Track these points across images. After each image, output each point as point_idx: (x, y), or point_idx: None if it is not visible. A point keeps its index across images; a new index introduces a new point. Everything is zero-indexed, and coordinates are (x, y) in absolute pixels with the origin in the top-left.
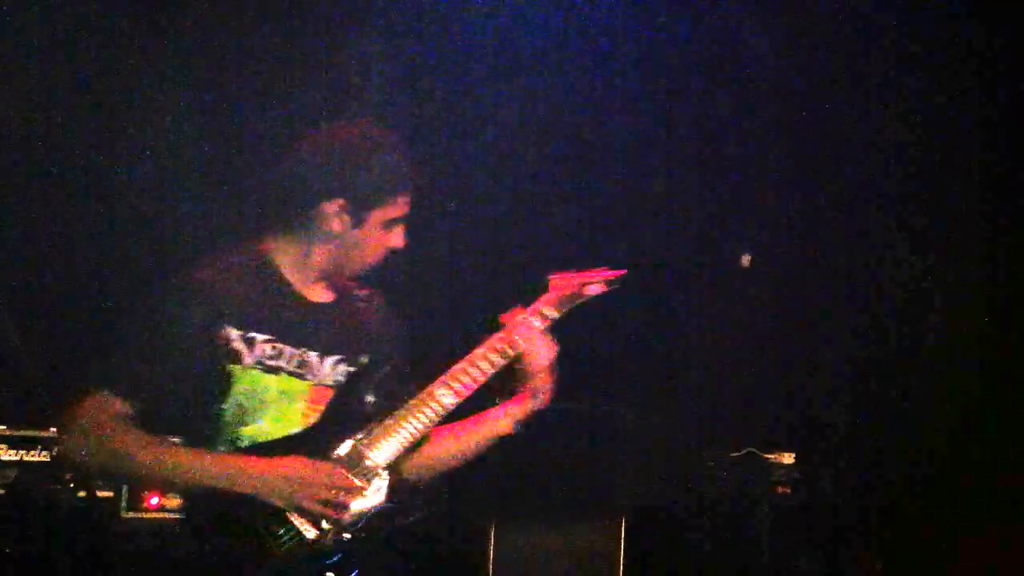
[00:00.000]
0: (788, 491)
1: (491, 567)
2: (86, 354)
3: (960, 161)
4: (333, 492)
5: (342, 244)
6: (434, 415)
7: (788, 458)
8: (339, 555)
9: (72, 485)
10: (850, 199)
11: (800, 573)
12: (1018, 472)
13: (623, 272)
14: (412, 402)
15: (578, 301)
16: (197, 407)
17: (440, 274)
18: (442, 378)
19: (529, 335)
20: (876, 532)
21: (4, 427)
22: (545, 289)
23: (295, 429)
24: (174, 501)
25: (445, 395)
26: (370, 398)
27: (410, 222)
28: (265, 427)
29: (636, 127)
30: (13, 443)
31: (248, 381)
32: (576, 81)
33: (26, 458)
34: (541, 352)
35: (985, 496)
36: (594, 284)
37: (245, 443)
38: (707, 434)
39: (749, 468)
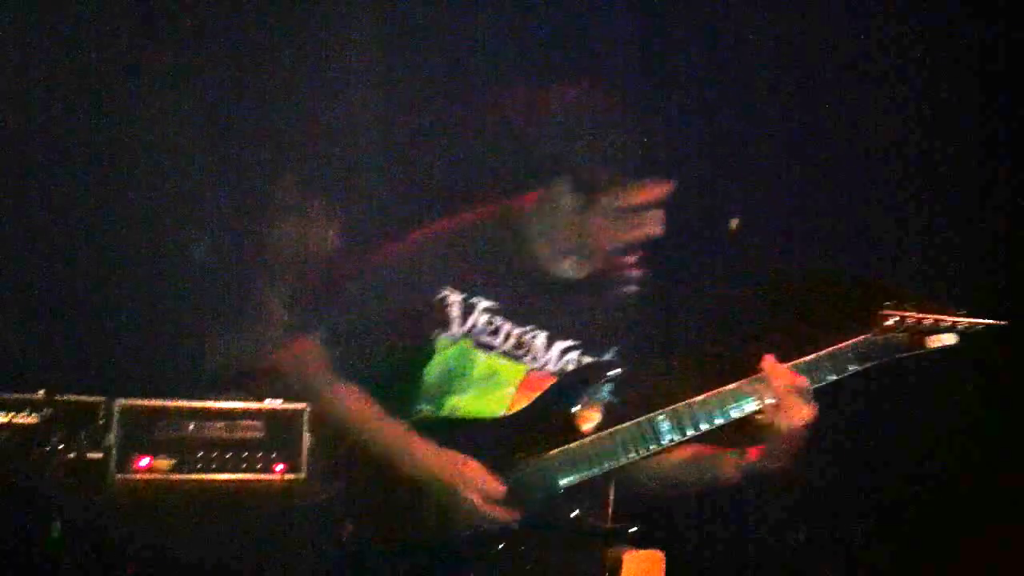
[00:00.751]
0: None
1: None
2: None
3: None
4: (482, 501)
5: (574, 224)
6: (646, 452)
7: None
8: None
9: (61, 447)
10: (848, 158)
11: (795, 546)
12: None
13: (984, 322)
14: (628, 425)
15: (908, 354)
16: (398, 366)
17: (730, 274)
18: (673, 409)
19: (791, 388)
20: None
21: None
22: (873, 323)
23: (499, 412)
24: (164, 463)
25: (667, 431)
26: (605, 397)
27: (679, 209)
28: (469, 401)
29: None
30: (2, 405)
31: (454, 352)
32: None
33: (15, 420)
34: (797, 414)
35: (985, 464)
36: (943, 333)
37: (445, 411)
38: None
39: (742, 430)
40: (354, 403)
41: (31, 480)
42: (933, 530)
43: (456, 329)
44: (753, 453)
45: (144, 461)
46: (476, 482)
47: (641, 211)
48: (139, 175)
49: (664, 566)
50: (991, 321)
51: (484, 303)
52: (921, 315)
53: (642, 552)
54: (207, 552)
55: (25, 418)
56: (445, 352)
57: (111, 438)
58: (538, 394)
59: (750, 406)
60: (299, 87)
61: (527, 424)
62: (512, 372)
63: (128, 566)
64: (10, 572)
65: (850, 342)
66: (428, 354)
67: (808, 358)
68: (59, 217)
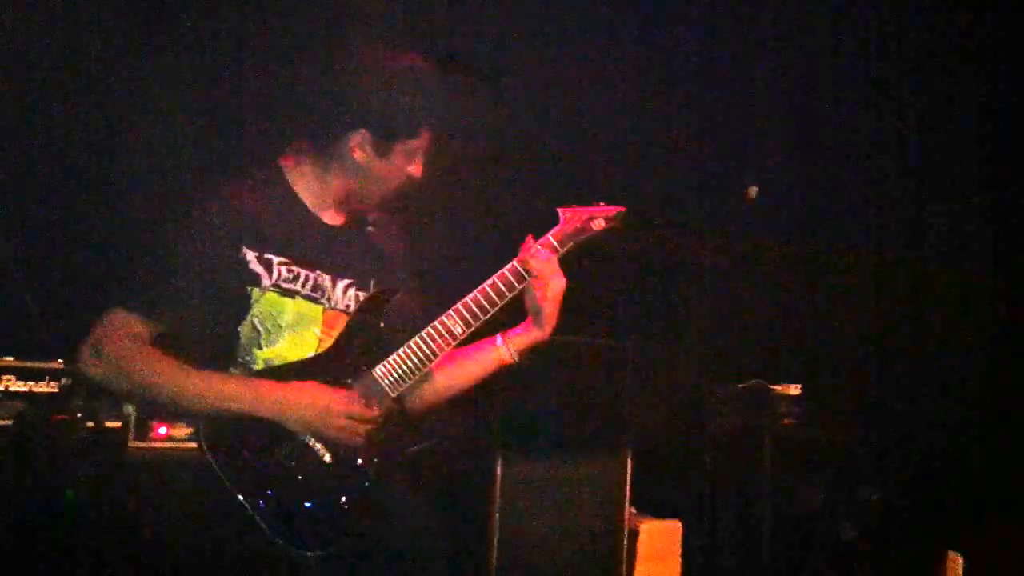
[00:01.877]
0: (790, 423)
1: (497, 495)
2: (96, 282)
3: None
4: (350, 419)
5: (363, 174)
6: (444, 344)
7: (795, 389)
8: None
9: (79, 416)
10: (857, 128)
11: (804, 505)
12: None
13: (621, 209)
14: (424, 331)
15: (584, 236)
16: (214, 328)
17: (454, 203)
18: (454, 307)
19: (540, 264)
20: (881, 467)
21: (11, 358)
22: (556, 221)
23: (309, 353)
24: (183, 431)
25: (456, 324)
26: (382, 324)
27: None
28: (280, 350)
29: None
30: (21, 374)
31: (265, 303)
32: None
33: (35, 389)
34: (551, 282)
35: (988, 428)
36: (599, 219)
37: (259, 366)
38: (714, 365)
39: (755, 399)
40: (178, 371)
41: (50, 448)
42: (936, 464)
43: (266, 281)
44: (521, 328)
45: (162, 429)
46: (332, 398)
47: (412, 158)
48: (154, 148)
49: (681, 536)
50: (619, 208)
51: (278, 257)
52: (581, 208)
53: (660, 522)
54: (223, 520)
55: (44, 387)
56: (257, 305)
57: (129, 407)
58: (337, 330)
59: (511, 288)
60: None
61: (346, 354)
62: (315, 312)
63: (145, 534)
64: (29, 540)
65: (552, 232)
66: (245, 311)
67: (542, 239)
68: (78, 186)
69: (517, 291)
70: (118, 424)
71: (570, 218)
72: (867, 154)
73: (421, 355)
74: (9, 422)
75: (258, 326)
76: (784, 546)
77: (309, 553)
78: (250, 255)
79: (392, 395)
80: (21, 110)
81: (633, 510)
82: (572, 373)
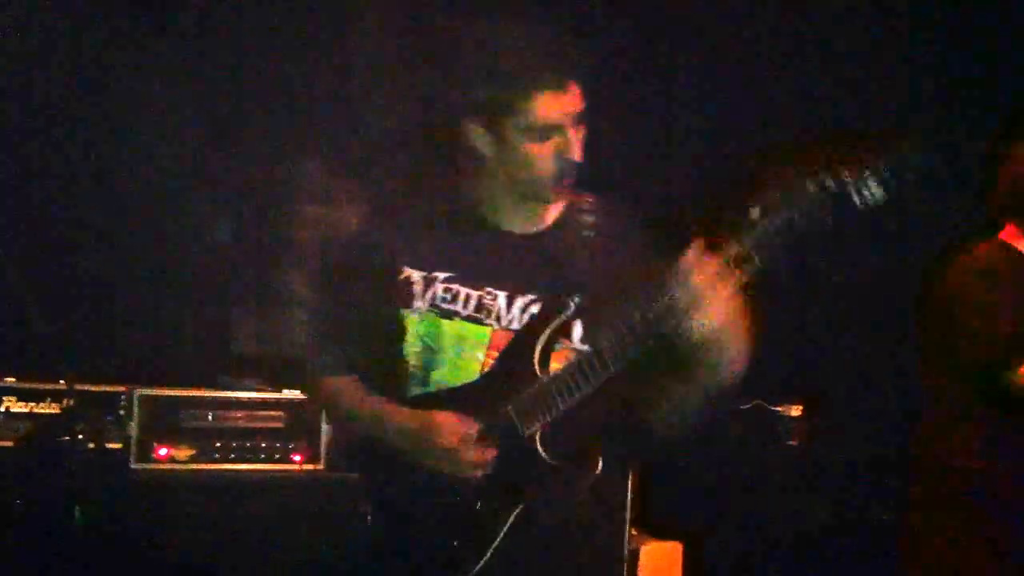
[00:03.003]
0: (795, 443)
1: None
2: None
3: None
4: (450, 451)
5: (501, 167)
6: (591, 378)
7: (796, 410)
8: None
9: (81, 436)
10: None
11: (807, 525)
12: None
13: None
14: (575, 359)
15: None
16: (379, 351)
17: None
18: (615, 331)
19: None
20: (884, 485)
21: (13, 379)
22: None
23: (473, 378)
24: (184, 452)
25: (611, 357)
26: (579, 345)
27: (592, 128)
28: (444, 374)
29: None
30: (23, 395)
31: (425, 326)
32: None
33: (36, 410)
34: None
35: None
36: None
37: (432, 387)
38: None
39: (757, 420)
40: (347, 395)
41: (52, 469)
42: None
43: (419, 303)
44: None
45: (164, 451)
46: (448, 425)
47: (551, 135)
48: (158, 161)
49: (682, 557)
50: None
51: (443, 275)
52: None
53: (660, 543)
54: (225, 542)
55: (46, 408)
56: (416, 327)
57: (131, 427)
58: (500, 352)
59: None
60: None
61: (493, 383)
62: (478, 335)
63: (147, 555)
64: (33, 560)
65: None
66: (401, 334)
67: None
68: (78, 205)
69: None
70: (119, 445)
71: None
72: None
73: (563, 388)
74: (11, 443)
75: (428, 346)
76: (787, 566)
77: None
78: (415, 276)
79: (524, 434)
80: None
81: (634, 531)
82: None
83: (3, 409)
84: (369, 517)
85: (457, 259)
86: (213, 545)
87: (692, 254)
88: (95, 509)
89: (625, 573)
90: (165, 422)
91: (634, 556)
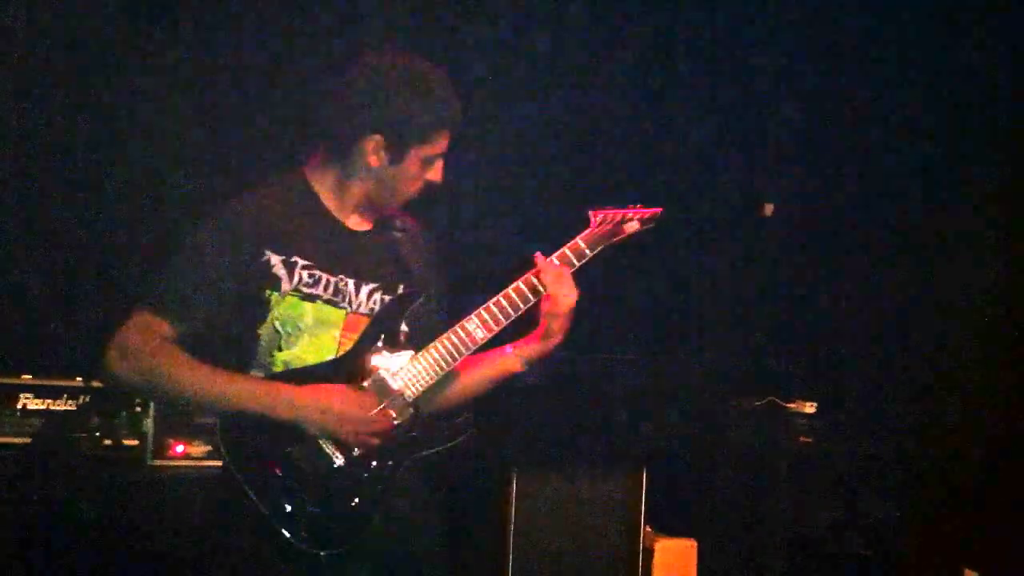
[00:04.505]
0: (809, 441)
1: (513, 515)
2: (120, 285)
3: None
4: (363, 422)
5: (380, 178)
6: (464, 349)
7: (810, 407)
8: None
9: (98, 434)
10: (871, 143)
11: (820, 523)
12: None
13: (658, 210)
14: (443, 335)
15: (615, 239)
16: (235, 331)
17: (480, 208)
18: (474, 313)
19: (555, 276)
20: (895, 482)
21: (30, 376)
22: (585, 225)
23: (329, 356)
24: (200, 448)
25: (477, 330)
26: (404, 328)
27: (450, 157)
28: (299, 353)
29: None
30: (39, 392)
31: (285, 307)
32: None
33: (52, 407)
34: (563, 294)
35: (1004, 444)
36: (632, 222)
37: (279, 368)
38: (728, 383)
39: (770, 417)
40: (199, 371)
41: (68, 466)
42: (952, 478)
43: (286, 286)
44: (530, 339)
45: (180, 447)
46: (345, 401)
47: (432, 163)
48: (174, 160)
49: (696, 555)
50: (656, 209)
51: (302, 261)
52: (615, 210)
53: (675, 541)
54: (239, 538)
55: (63, 405)
56: (277, 308)
57: (147, 424)
58: (359, 333)
59: (528, 298)
60: None
61: (363, 358)
62: (336, 316)
63: (163, 551)
64: (49, 556)
65: (581, 235)
66: (263, 315)
67: (561, 251)
68: (95, 205)
69: (534, 300)
70: (135, 442)
71: (601, 221)
72: (881, 169)
73: (441, 359)
74: (28, 440)
75: (279, 329)
76: (800, 563)
77: (322, 552)
78: (274, 259)
79: (408, 398)
80: (39, 114)
81: (648, 528)
82: (588, 390)
83: (20, 406)
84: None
85: (314, 248)
86: (228, 541)
87: (541, 259)
88: (111, 505)
89: (640, 570)
90: (181, 419)
91: (649, 554)
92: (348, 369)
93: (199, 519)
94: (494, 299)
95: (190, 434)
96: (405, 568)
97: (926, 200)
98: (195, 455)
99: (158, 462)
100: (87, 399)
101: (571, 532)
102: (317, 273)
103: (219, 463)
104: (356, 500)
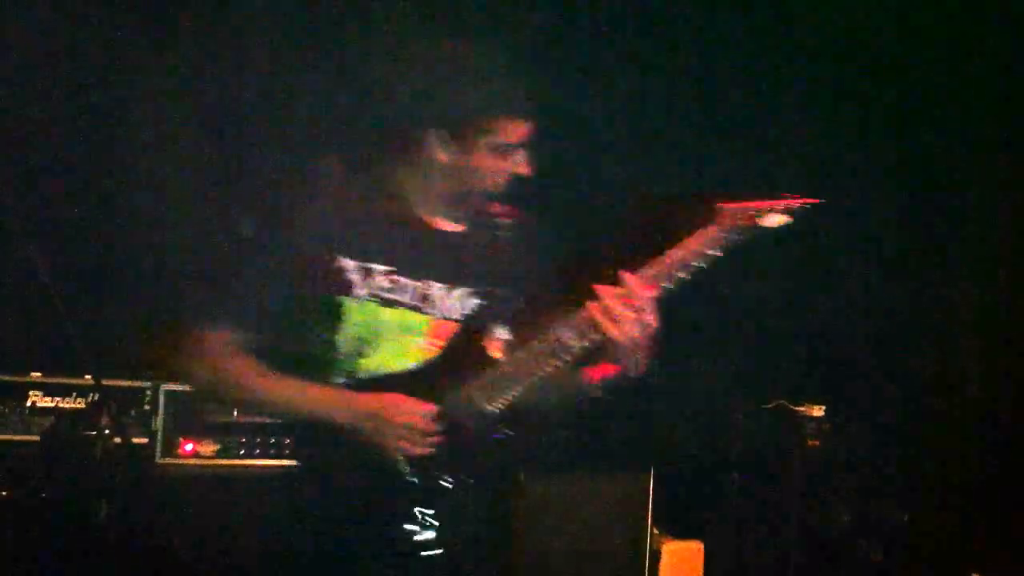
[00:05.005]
0: (818, 444)
1: (517, 518)
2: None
3: None
4: (410, 429)
5: (452, 173)
6: (556, 360)
7: (818, 411)
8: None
9: (107, 431)
10: (882, 148)
11: (830, 526)
12: None
13: (812, 200)
14: (535, 343)
15: (746, 234)
16: (311, 338)
17: (593, 203)
18: (571, 319)
19: (645, 304)
20: (905, 488)
21: (39, 374)
22: (712, 220)
23: (413, 364)
24: (209, 447)
25: (572, 339)
26: (503, 334)
27: (540, 147)
28: (383, 360)
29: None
30: (48, 390)
31: (364, 313)
32: None
33: (62, 405)
34: (645, 323)
35: (1010, 447)
36: (774, 213)
37: (362, 375)
38: (737, 386)
39: (779, 420)
40: (275, 381)
41: (77, 464)
42: (962, 482)
43: (360, 291)
44: (607, 369)
45: (189, 446)
46: (404, 408)
47: (505, 152)
48: (184, 156)
49: (703, 557)
50: (813, 199)
51: (380, 266)
52: (748, 203)
53: (682, 543)
54: (250, 537)
55: (72, 402)
56: (353, 315)
57: (157, 423)
58: (446, 341)
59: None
60: None
61: (446, 367)
62: (419, 322)
63: (172, 549)
64: (57, 555)
65: (697, 236)
66: (337, 322)
67: (661, 263)
68: (105, 201)
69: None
70: (145, 440)
71: (731, 214)
72: (887, 170)
73: (528, 369)
74: (37, 438)
75: (360, 335)
76: (808, 566)
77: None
78: (348, 264)
79: (487, 409)
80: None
81: (655, 530)
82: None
83: (29, 404)
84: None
85: (395, 251)
86: (237, 540)
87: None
88: (120, 504)
89: (647, 572)
90: (190, 417)
91: (656, 555)
92: (429, 378)
93: (208, 517)
94: (592, 306)
95: (199, 433)
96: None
97: (935, 201)
98: (205, 454)
99: (167, 460)
100: (96, 397)
101: (577, 533)
102: (397, 277)
103: (229, 462)
104: (423, 513)
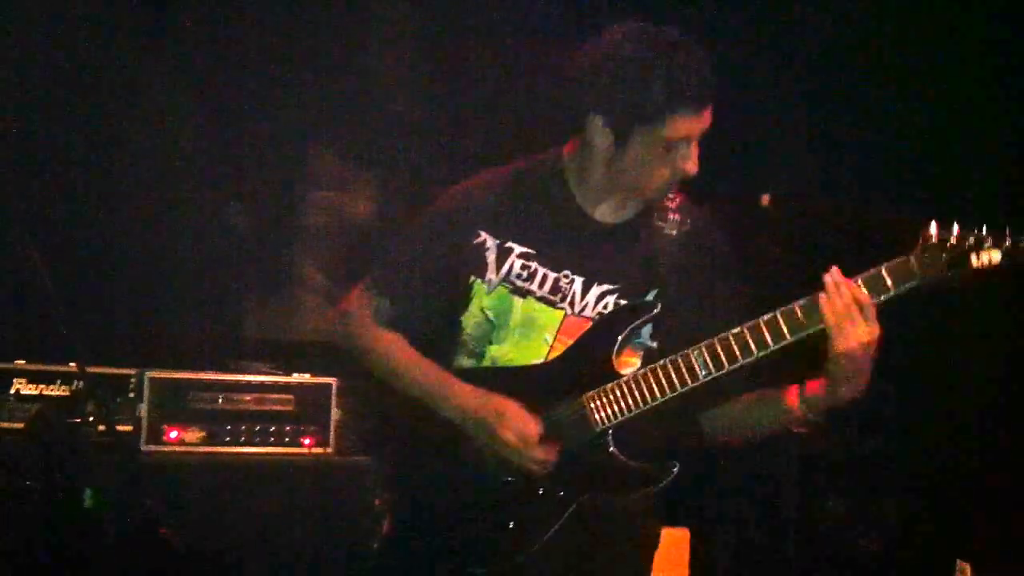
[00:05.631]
0: (805, 432)
1: None
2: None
3: None
4: (522, 443)
5: (609, 164)
6: (679, 384)
7: None
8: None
9: (91, 419)
10: (871, 132)
11: (824, 516)
12: None
13: None
14: (661, 363)
15: (954, 271)
16: (441, 316)
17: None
18: (707, 342)
19: (844, 307)
20: (902, 476)
21: (23, 362)
22: (918, 240)
23: (536, 359)
24: (194, 435)
25: (700, 362)
26: (649, 343)
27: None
28: (509, 350)
29: None
30: (33, 377)
31: (493, 299)
32: None
33: (46, 392)
34: (847, 329)
35: (998, 435)
36: (993, 249)
37: (487, 362)
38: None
39: None
40: (397, 350)
41: (62, 451)
42: (959, 473)
43: (492, 275)
44: (814, 385)
45: (174, 433)
46: (513, 420)
47: (675, 148)
48: (172, 146)
49: (689, 543)
50: None
51: (519, 248)
52: (965, 232)
53: (668, 530)
54: (235, 524)
55: (56, 390)
56: (483, 299)
57: (141, 410)
58: (575, 340)
59: (790, 333)
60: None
61: (565, 369)
62: (549, 317)
63: (158, 536)
64: (43, 542)
65: (898, 259)
66: (466, 303)
67: (867, 273)
68: (91, 188)
69: (801, 335)
70: (129, 427)
71: (933, 240)
72: (885, 157)
73: (647, 390)
74: (22, 425)
75: (492, 319)
76: (797, 555)
77: (469, 570)
78: (489, 241)
79: (597, 428)
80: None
81: None
82: None
83: (13, 391)
84: (377, 501)
85: (539, 236)
86: (222, 527)
87: (830, 281)
88: (105, 491)
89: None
90: (175, 405)
91: (654, 540)
92: (547, 380)
93: (194, 505)
94: (740, 328)
95: (184, 420)
96: None
97: (928, 191)
98: (190, 441)
99: (152, 447)
100: (81, 384)
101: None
102: (534, 266)
103: (214, 449)
104: (514, 522)
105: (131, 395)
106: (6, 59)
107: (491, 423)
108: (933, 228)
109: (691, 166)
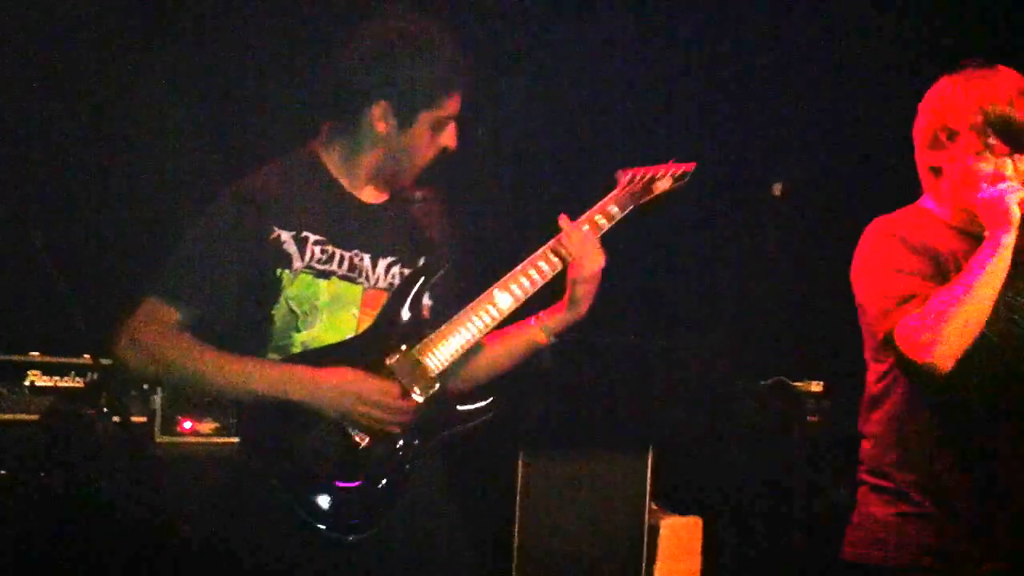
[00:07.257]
0: (816, 420)
1: (519, 495)
2: (128, 272)
3: None
4: (386, 403)
5: (390, 146)
6: (491, 320)
7: (816, 386)
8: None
9: (106, 410)
10: (881, 121)
11: (829, 502)
12: None
13: (692, 166)
14: (468, 307)
15: (646, 199)
16: (248, 314)
17: (502, 173)
18: (500, 282)
19: (581, 240)
20: None
21: (37, 354)
22: (613, 186)
23: (348, 335)
24: (208, 425)
25: (504, 299)
26: (427, 302)
27: (463, 121)
28: (318, 333)
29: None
30: (47, 369)
31: (299, 286)
32: None
33: (60, 384)
34: (589, 259)
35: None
36: (663, 179)
37: (297, 349)
38: (736, 363)
39: (778, 396)
40: (213, 360)
41: (77, 443)
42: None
43: (298, 263)
44: (555, 309)
45: (188, 424)
46: (364, 385)
47: (443, 127)
48: (185, 140)
49: (702, 532)
50: (689, 164)
51: (314, 236)
52: (644, 168)
53: (681, 519)
54: (248, 515)
55: (71, 381)
56: (290, 288)
57: (156, 401)
58: (379, 310)
59: (554, 265)
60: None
61: (382, 334)
62: (352, 293)
63: (172, 527)
64: (57, 532)
65: (608, 196)
66: (275, 296)
67: (587, 214)
68: (104, 181)
69: (561, 266)
70: (144, 418)
71: (630, 180)
72: (890, 148)
73: (467, 332)
74: (36, 417)
75: (294, 309)
76: (806, 541)
77: (351, 537)
78: (284, 236)
79: (434, 374)
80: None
81: (654, 506)
82: (596, 370)
83: (28, 383)
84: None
85: (325, 221)
86: (237, 518)
87: (564, 223)
88: (120, 482)
89: (646, 547)
90: (189, 396)
91: (655, 531)
92: (369, 347)
93: (211, 499)
94: (519, 267)
95: (199, 411)
96: (426, 550)
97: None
98: (204, 432)
99: (166, 438)
100: (95, 376)
101: (578, 510)
102: (330, 249)
103: (228, 440)
104: (384, 481)
105: (145, 386)
106: (8, 57)
107: (346, 394)
108: (622, 174)
109: (453, 142)
